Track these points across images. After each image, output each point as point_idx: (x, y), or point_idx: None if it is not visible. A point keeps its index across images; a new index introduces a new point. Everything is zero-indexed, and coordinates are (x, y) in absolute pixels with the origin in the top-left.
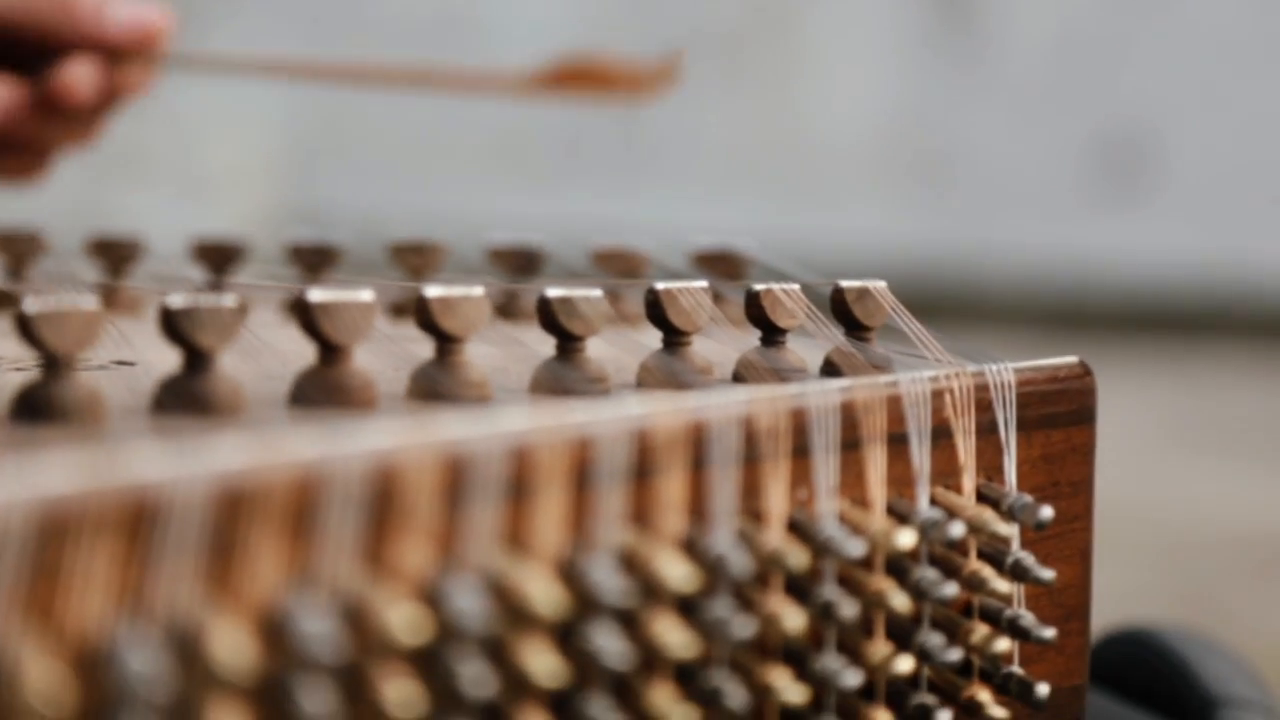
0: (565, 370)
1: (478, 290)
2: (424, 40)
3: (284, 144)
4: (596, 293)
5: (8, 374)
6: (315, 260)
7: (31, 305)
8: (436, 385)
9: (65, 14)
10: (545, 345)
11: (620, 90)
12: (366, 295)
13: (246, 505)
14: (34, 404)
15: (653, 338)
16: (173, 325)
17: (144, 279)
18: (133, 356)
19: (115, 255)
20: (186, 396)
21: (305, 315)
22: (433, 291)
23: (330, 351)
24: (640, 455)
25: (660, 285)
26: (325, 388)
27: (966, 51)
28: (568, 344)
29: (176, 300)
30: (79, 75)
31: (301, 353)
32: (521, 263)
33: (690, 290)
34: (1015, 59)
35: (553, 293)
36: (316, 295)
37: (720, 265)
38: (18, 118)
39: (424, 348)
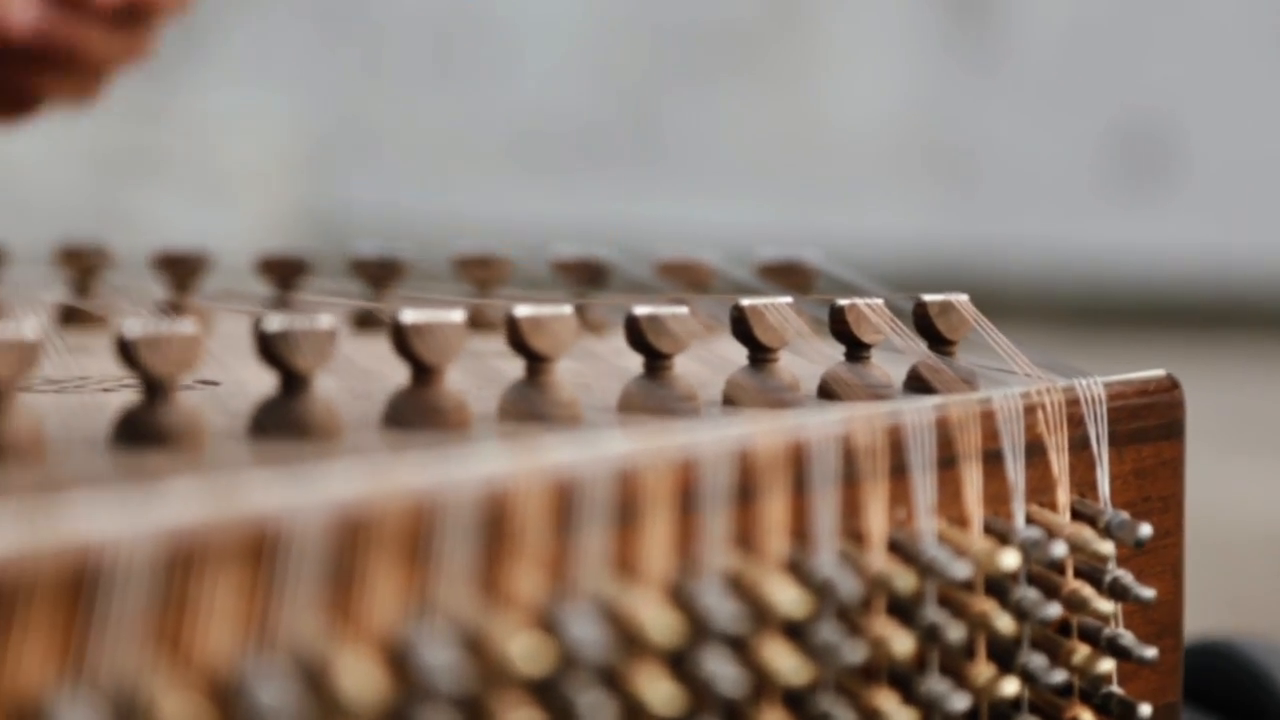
0: (656, 388)
1: (567, 309)
2: (436, 35)
3: (302, 145)
4: (683, 310)
5: (97, 394)
6: (380, 274)
7: (132, 328)
8: (529, 405)
9: None
10: (624, 359)
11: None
12: (457, 315)
13: (363, 534)
14: (137, 428)
15: (727, 349)
16: (269, 348)
17: (210, 294)
18: (215, 375)
19: (181, 270)
20: (284, 420)
21: (399, 336)
22: (523, 311)
23: (423, 372)
24: (743, 476)
25: (746, 302)
26: (420, 409)
27: (983, 45)
28: (656, 362)
29: (273, 322)
30: None
31: (381, 369)
32: (588, 275)
33: (776, 306)
34: (1032, 52)
35: (641, 311)
36: (409, 316)
37: (788, 276)
38: (53, 26)
39: (506, 364)
